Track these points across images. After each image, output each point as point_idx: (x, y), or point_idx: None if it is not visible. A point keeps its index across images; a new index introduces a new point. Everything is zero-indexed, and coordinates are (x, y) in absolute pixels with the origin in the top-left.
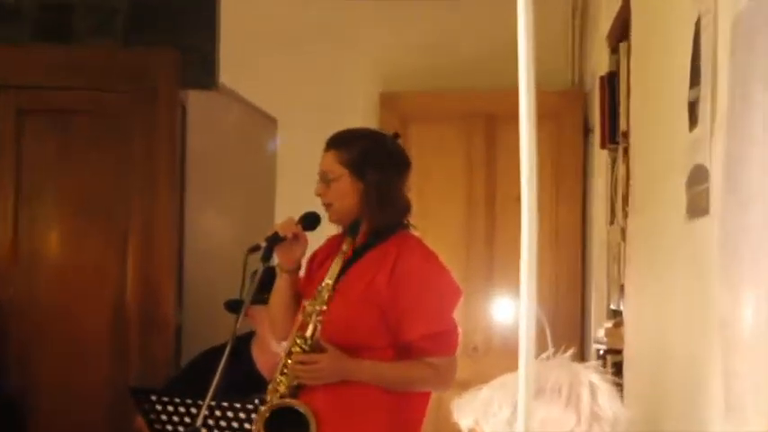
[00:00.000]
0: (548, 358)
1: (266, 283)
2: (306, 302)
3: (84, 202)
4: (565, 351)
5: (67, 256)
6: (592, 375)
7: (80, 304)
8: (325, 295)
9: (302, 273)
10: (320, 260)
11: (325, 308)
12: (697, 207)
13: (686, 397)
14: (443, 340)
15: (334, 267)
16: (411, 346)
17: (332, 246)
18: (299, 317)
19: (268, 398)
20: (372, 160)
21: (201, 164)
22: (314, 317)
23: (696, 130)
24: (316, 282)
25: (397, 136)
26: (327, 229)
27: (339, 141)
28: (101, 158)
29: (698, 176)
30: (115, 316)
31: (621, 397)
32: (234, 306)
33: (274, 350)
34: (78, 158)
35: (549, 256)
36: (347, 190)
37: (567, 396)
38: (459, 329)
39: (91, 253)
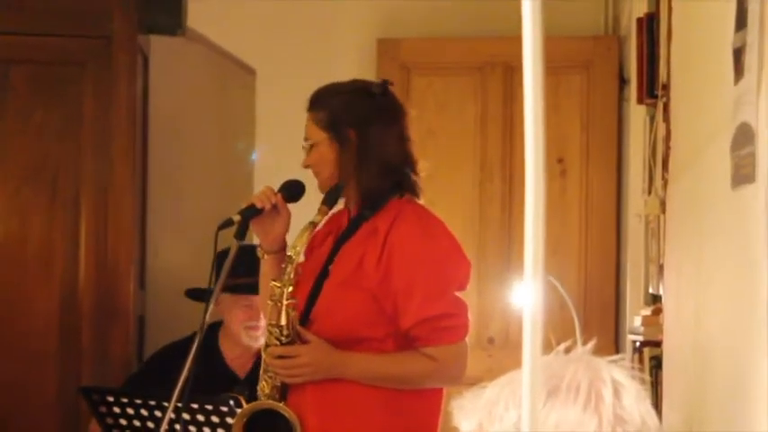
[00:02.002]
0: (565, 351)
1: (239, 265)
2: (272, 282)
3: (27, 169)
4: (586, 342)
5: (7, 232)
6: (615, 372)
7: (23, 289)
8: (291, 272)
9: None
10: (319, 240)
11: (291, 289)
12: (742, 173)
13: (728, 401)
14: (444, 325)
15: (297, 240)
16: (408, 334)
17: (333, 222)
18: (269, 302)
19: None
20: (350, 116)
21: (167, 123)
22: (284, 300)
23: (741, 83)
24: (311, 263)
25: (385, 83)
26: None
27: (315, 100)
28: (46, 116)
29: (743, 137)
30: (65, 303)
31: (658, 398)
32: (196, 295)
33: (246, 343)
34: (19, 116)
35: (577, 231)
36: (326, 156)
37: (585, 396)
38: (468, 311)
39: (35, 228)
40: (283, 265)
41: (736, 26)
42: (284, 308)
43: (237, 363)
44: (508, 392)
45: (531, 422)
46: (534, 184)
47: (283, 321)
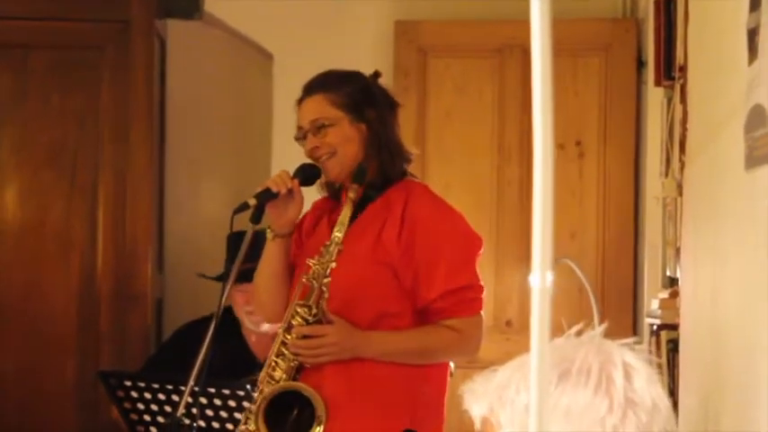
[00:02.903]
0: (577, 334)
1: (247, 253)
2: (310, 261)
3: (45, 153)
4: (600, 325)
5: (26, 216)
6: (626, 355)
7: (42, 273)
8: (335, 251)
9: None
10: (309, 227)
11: (334, 265)
12: (755, 155)
13: (741, 386)
14: (466, 297)
15: (343, 218)
16: (429, 308)
17: (321, 210)
18: (303, 280)
19: (259, 386)
20: (368, 98)
21: (184, 107)
22: (321, 278)
23: (755, 64)
24: (307, 251)
25: (378, 75)
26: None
27: (324, 83)
28: (64, 101)
29: (756, 119)
30: (83, 286)
31: (674, 381)
32: (217, 277)
33: (249, 328)
34: (37, 101)
35: (595, 214)
36: (349, 134)
37: (596, 379)
38: (483, 286)
39: (54, 213)
40: (327, 244)
41: (750, 6)
42: (319, 286)
43: (259, 347)
44: (519, 376)
45: (540, 407)
46: (542, 170)
47: (313, 300)
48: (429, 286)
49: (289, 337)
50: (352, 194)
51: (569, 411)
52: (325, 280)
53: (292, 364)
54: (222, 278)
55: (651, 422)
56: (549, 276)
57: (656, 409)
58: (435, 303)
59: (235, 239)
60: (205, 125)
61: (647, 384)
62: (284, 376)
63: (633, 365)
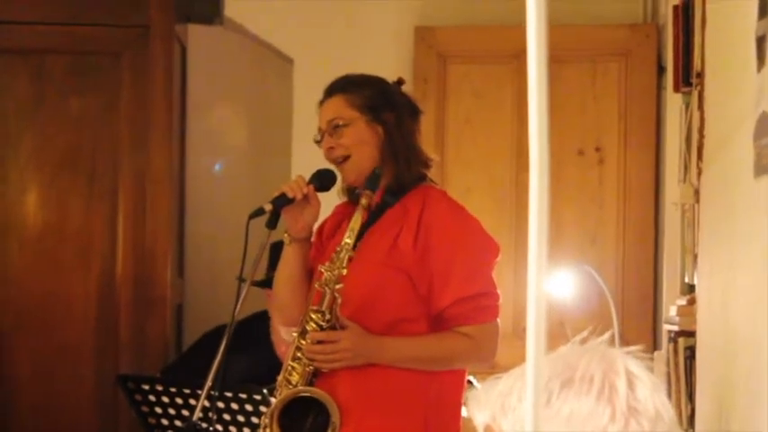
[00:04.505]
0: (581, 342)
1: (275, 260)
2: (321, 267)
3: (64, 158)
4: (624, 333)
5: (45, 221)
6: (630, 363)
7: (61, 278)
8: (345, 257)
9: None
10: (329, 231)
11: (345, 272)
12: (763, 163)
13: (749, 393)
14: (481, 304)
15: (354, 224)
16: (443, 314)
17: (342, 214)
18: (315, 287)
19: (278, 390)
20: (389, 102)
21: (204, 112)
22: (332, 285)
23: (764, 71)
24: (327, 255)
25: (401, 82)
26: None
27: (344, 85)
28: (84, 106)
29: (764, 126)
30: (103, 292)
31: (691, 387)
32: (259, 283)
33: (285, 338)
34: (57, 106)
35: (615, 220)
36: (365, 136)
37: (599, 387)
38: (500, 293)
39: (73, 217)
40: (337, 251)
41: (759, 14)
42: (332, 292)
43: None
44: (521, 384)
45: (536, 415)
46: (538, 176)
47: (326, 306)
48: (443, 293)
49: (303, 342)
50: (364, 201)
51: (571, 419)
52: (337, 286)
53: (308, 368)
54: (262, 284)
55: (654, 431)
56: (549, 283)
57: (659, 417)
58: (450, 310)
59: (277, 248)
60: (225, 129)
61: (651, 393)
62: (300, 381)
63: (636, 374)
